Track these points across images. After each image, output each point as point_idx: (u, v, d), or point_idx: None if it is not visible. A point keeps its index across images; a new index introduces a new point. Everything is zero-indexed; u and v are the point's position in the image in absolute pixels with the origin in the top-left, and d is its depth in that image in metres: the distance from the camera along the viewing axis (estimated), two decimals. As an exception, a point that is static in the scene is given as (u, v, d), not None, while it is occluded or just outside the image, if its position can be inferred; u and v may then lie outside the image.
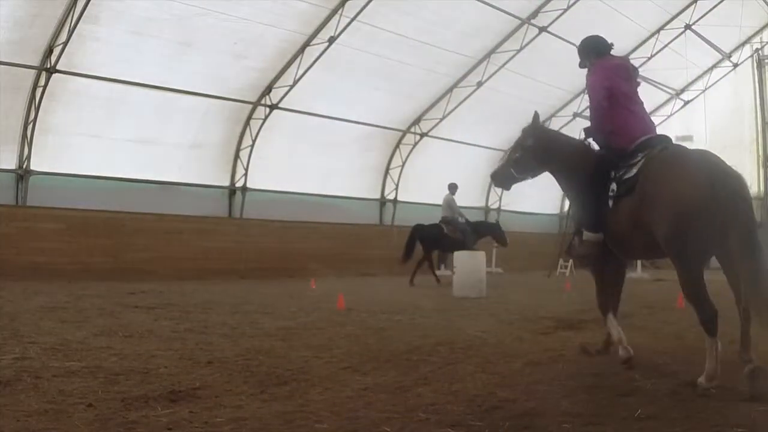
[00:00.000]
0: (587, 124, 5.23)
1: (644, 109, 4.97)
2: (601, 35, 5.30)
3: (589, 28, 23.02)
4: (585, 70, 5.31)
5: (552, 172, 5.42)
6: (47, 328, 6.25)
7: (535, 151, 5.39)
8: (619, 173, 4.64)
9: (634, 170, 4.52)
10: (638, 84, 5.00)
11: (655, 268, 16.07)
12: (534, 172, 5.52)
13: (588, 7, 19.65)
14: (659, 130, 4.95)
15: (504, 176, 5.66)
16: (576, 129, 27.27)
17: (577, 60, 5.48)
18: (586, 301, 10.42)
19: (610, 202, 4.63)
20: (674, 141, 4.92)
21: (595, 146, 5.13)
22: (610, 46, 5.21)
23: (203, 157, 17.90)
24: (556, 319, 7.84)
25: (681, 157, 4.40)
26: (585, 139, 5.19)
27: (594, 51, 5.20)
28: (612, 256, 4.93)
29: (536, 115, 5.63)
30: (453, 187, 16.30)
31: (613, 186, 4.64)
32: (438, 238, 15.48)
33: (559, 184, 5.45)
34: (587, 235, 4.84)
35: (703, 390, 3.96)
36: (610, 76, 4.90)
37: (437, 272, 21.01)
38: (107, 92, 15.31)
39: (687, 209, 4.04)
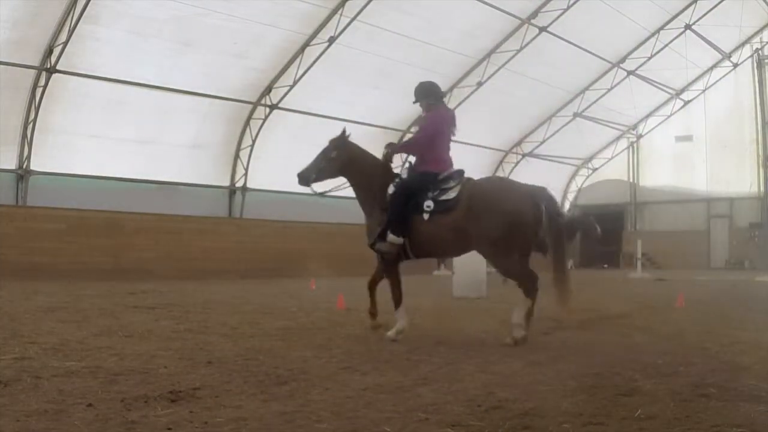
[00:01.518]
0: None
1: (449, 148, 6.26)
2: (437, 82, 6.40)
3: (589, 28, 23.15)
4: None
5: (351, 182, 6.45)
6: (47, 328, 6.24)
7: (338, 162, 6.36)
8: (434, 194, 5.83)
9: (452, 194, 5.77)
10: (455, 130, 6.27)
11: (656, 268, 16.09)
12: (332, 178, 6.48)
13: (588, 7, 19.66)
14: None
15: (307, 178, 6.50)
16: (576, 128, 27.34)
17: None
18: (586, 301, 10.44)
19: (425, 216, 5.79)
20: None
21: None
22: (444, 94, 6.25)
23: (203, 157, 17.90)
24: (556, 319, 7.83)
25: (502, 181, 5.96)
26: (389, 155, 6.25)
27: (433, 95, 6.27)
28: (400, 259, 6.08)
29: (343, 131, 6.53)
30: None
31: (429, 203, 5.80)
32: None
33: (356, 193, 6.41)
34: (393, 237, 5.86)
35: (513, 340, 5.57)
36: (444, 124, 6.17)
37: (435, 272, 21.07)
38: (107, 92, 15.31)
39: (516, 218, 5.54)
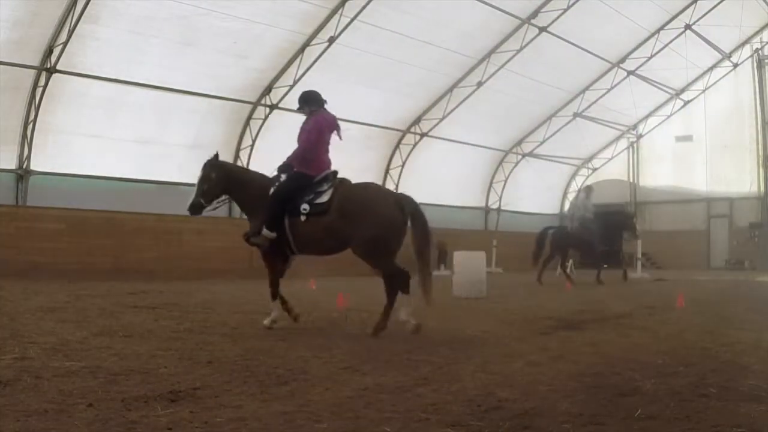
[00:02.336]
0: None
1: (328, 150, 6.80)
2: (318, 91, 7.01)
3: (589, 28, 23.08)
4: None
5: (233, 197, 7.00)
6: (47, 328, 6.25)
7: (219, 182, 6.82)
8: (309, 197, 6.38)
9: (326, 197, 6.35)
10: (338, 133, 6.83)
11: (656, 268, 16.14)
12: (218, 198, 6.93)
13: (588, 7, 19.65)
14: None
15: (199, 206, 6.84)
16: (576, 128, 27.21)
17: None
18: (586, 301, 10.44)
19: (303, 218, 6.35)
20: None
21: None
22: (325, 101, 6.94)
23: (203, 157, 17.78)
24: (556, 319, 7.84)
25: (370, 187, 6.70)
26: (281, 171, 6.71)
27: (315, 102, 6.88)
28: (280, 253, 6.70)
29: (216, 154, 7.07)
30: (588, 190, 16.91)
31: (305, 206, 6.35)
32: (566, 237, 15.98)
33: (240, 205, 7.09)
34: (266, 232, 6.46)
35: (370, 331, 6.10)
36: (324, 127, 6.73)
37: (435, 272, 21.00)
38: (107, 92, 15.31)
39: (387, 222, 6.17)
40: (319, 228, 6.32)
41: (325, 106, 6.93)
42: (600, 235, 15.91)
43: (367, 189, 6.59)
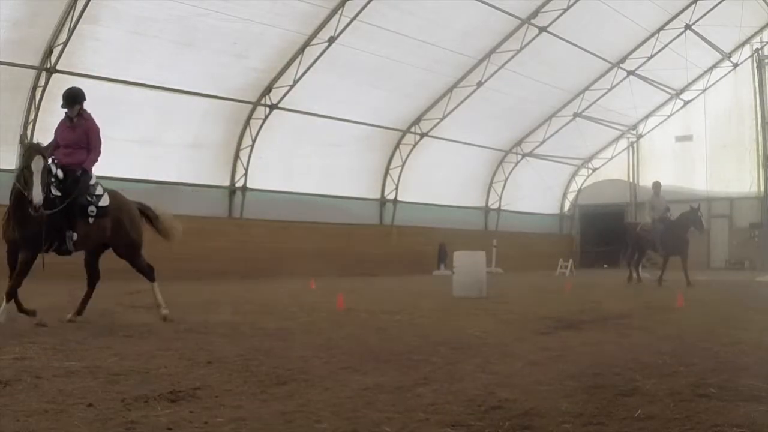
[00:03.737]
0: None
1: None
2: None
3: (589, 28, 23.06)
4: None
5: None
6: (47, 328, 6.26)
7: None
8: (92, 199, 6.72)
9: (106, 201, 6.85)
10: None
11: (657, 268, 16.09)
12: None
13: (588, 7, 19.65)
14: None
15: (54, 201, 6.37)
16: (576, 128, 27.15)
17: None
18: (586, 301, 10.44)
19: (91, 219, 6.71)
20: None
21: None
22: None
23: (203, 157, 17.89)
24: (556, 319, 7.83)
25: (122, 196, 7.38)
26: (44, 158, 6.26)
27: (83, 101, 6.78)
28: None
29: (49, 145, 6.67)
30: (656, 186, 16.09)
31: (93, 209, 6.70)
32: (634, 237, 15.84)
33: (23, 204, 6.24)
34: (76, 236, 6.65)
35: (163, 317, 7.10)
36: None
37: (435, 272, 21.04)
38: (107, 92, 15.29)
39: (140, 227, 7.35)
40: (96, 229, 6.79)
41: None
42: (670, 232, 15.28)
43: (124, 196, 7.41)
